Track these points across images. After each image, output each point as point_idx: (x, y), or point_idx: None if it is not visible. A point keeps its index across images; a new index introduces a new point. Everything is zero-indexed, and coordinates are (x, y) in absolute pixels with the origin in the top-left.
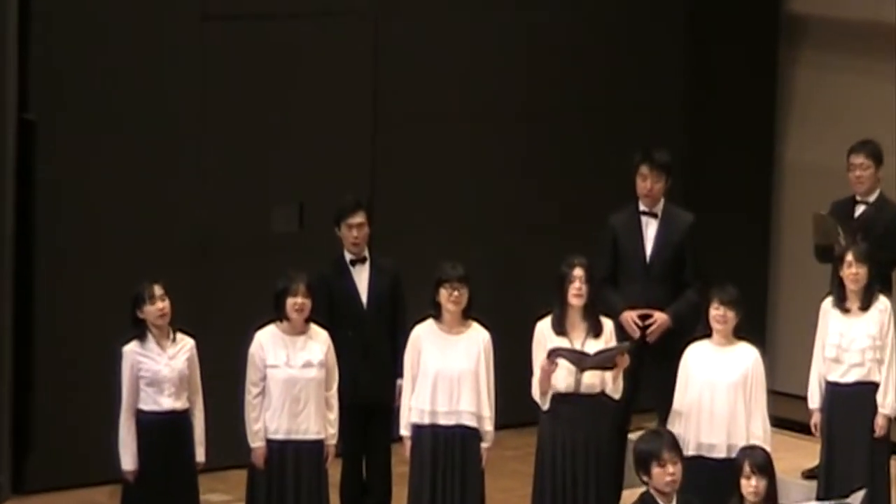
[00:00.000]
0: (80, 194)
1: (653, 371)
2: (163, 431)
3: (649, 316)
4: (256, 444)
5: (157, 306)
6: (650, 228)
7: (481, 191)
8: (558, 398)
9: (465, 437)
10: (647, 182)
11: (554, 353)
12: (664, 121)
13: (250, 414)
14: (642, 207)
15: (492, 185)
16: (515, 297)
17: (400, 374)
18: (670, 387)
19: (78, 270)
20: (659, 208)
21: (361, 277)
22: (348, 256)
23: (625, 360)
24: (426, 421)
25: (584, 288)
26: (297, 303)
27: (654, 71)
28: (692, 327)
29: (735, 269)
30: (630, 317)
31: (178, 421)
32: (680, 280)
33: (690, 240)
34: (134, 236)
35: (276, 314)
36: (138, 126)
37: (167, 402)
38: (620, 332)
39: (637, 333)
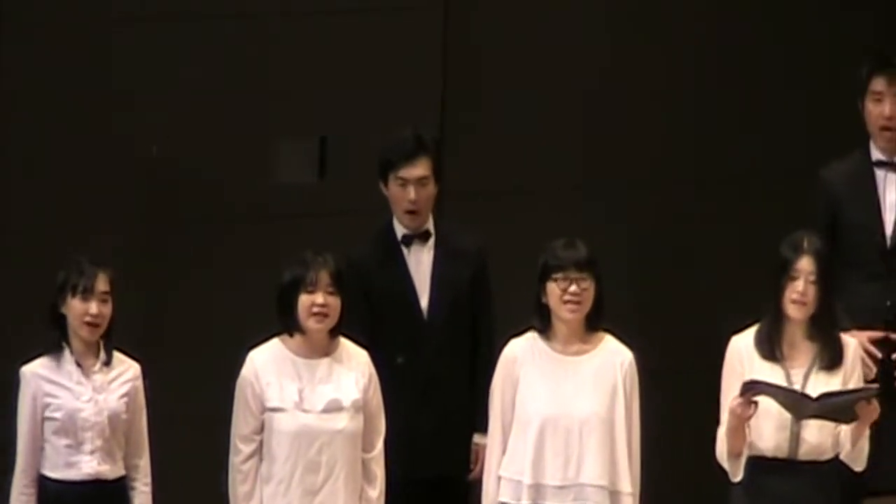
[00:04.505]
0: None
1: None
2: None
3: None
4: None
5: (91, 308)
6: (891, 188)
7: (615, 121)
8: (762, 465)
9: None
10: (883, 105)
11: (752, 388)
12: None
13: (237, 489)
14: (877, 155)
15: (634, 111)
16: (671, 295)
17: (482, 426)
18: None
19: None
20: None
21: (420, 265)
22: (400, 231)
23: (873, 411)
24: (526, 499)
25: (812, 291)
26: (316, 303)
27: None
28: None
29: None
30: (863, 342)
31: (106, 496)
32: None
33: None
34: (56, 189)
35: (282, 323)
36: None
37: (90, 466)
38: None
39: (874, 369)
